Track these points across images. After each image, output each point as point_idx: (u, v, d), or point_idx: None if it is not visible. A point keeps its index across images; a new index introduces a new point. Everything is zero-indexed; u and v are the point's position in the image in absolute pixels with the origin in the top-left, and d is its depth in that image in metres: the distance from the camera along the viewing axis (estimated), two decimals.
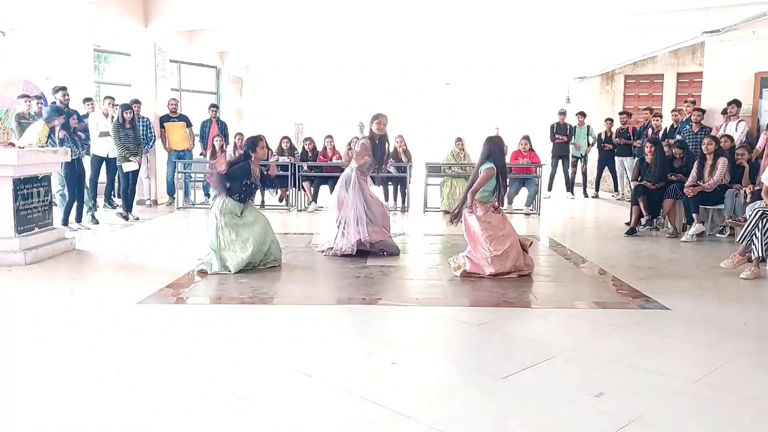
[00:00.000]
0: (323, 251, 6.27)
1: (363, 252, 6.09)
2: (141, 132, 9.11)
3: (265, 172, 5.87)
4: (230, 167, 5.51)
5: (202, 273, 5.33)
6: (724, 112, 8.96)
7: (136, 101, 9.50)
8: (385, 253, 6.19)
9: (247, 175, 5.54)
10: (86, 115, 8.91)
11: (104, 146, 8.86)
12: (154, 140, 10.14)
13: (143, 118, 9.70)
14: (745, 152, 7.36)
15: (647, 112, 11.37)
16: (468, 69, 15.16)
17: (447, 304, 4.60)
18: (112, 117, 8.95)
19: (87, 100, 9.26)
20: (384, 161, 6.50)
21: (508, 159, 9.24)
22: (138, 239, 7.24)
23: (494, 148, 5.40)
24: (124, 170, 8.44)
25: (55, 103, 7.76)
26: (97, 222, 8.04)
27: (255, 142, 5.67)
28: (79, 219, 7.63)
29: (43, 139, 6.65)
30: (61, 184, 7.76)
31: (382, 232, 6.25)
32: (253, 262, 5.46)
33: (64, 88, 7.80)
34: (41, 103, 8.28)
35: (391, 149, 6.36)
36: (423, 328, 4.05)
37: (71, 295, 4.67)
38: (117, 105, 8.83)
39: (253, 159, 5.62)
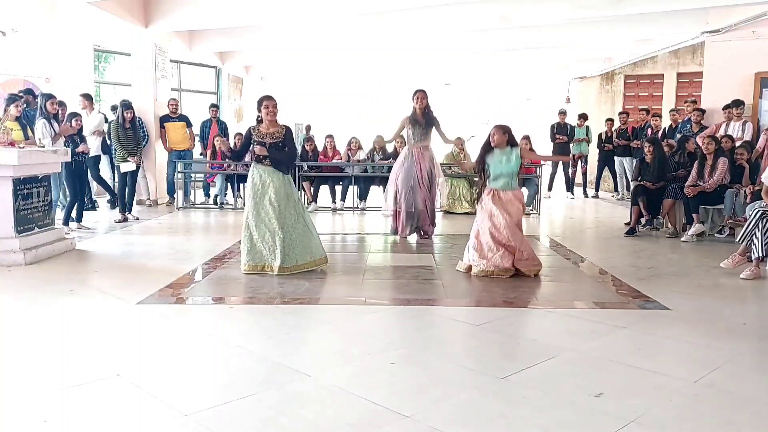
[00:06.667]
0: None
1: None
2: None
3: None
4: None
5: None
6: (727, 109, 8.80)
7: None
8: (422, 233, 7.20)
9: (248, 136, 5.40)
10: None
11: (94, 147, 8.83)
12: (147, 139, 10.10)
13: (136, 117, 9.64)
14: (745, 152, 7.36)
15: (644, 112, 11.36)
16: (468, 69, 15.16)
17: (447, 304, 4.61)
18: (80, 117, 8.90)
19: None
20: (429, 132, 7.25)
21: None
22: (138, 239, 7.24)
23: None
24: (122, 170, 8.41)
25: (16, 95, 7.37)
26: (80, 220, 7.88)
27: (261, 101, 5.37)
28: (79, 219, 7.62)
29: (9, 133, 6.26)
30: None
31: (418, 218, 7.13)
32: (260, 261, 5.25)
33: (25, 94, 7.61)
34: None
35: (439, 120, 7.29)
36: (423, 328, 4.05)
37: (71, 295, 4.67)
38: (118, 105, 8.80)
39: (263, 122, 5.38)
